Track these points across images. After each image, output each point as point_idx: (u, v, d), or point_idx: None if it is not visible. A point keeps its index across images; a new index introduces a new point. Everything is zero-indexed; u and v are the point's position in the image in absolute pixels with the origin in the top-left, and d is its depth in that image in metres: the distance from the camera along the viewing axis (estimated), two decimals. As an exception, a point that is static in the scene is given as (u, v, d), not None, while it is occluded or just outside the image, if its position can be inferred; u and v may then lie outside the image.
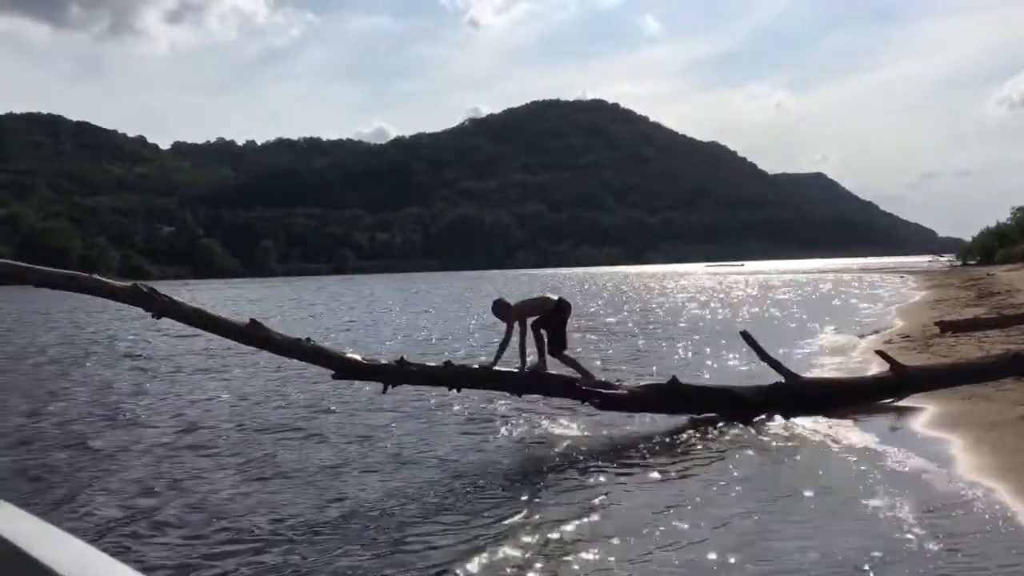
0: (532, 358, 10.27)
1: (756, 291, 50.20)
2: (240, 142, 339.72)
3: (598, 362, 16.07)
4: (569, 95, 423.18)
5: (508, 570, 5.53)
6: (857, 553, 5.47)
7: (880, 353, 11.87)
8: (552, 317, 10.39)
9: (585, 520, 6.50)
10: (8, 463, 8.94)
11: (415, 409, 11.35)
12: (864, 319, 25.39)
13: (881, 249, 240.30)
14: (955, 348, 14.80)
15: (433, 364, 10.00)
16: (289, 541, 6.17)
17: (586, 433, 9.81)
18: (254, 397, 13.09)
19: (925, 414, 9.93)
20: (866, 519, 6.21)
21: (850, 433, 9.17)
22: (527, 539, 6.09)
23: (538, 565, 5.61)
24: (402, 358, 9.59)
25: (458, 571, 5.47)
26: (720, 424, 9.87)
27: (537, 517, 6.66)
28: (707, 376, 13.63)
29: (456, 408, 11.28)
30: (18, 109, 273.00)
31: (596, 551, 5.77)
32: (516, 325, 10.24)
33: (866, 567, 5.25)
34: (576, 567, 5.54)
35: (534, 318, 10.42)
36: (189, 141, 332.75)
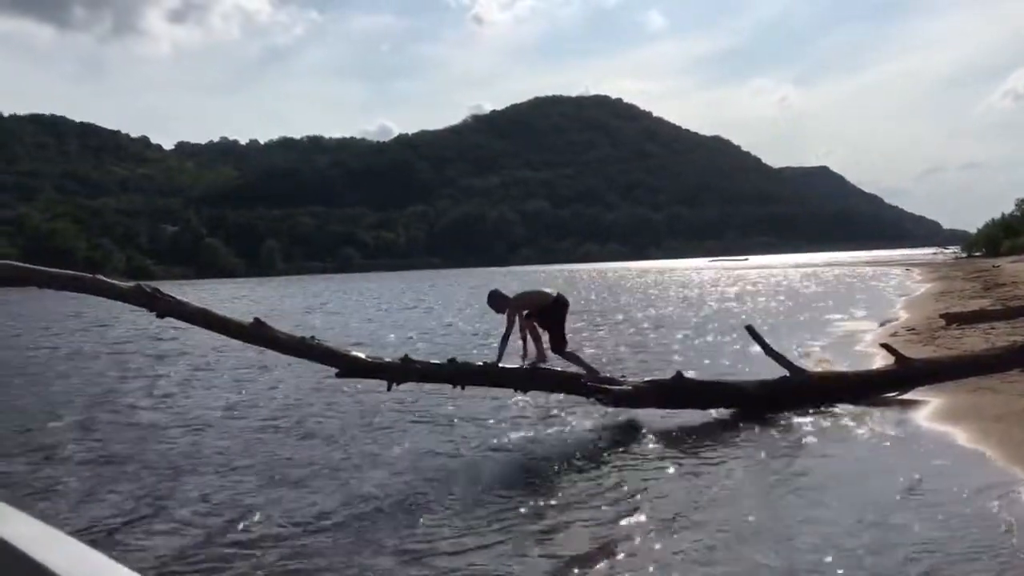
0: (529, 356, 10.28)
1: (759, 285, 50.11)
2: (243, 141, 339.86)
3: (603, 358, 16.07)
4: (573, 92, 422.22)
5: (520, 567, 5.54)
6: (867, 549, 5.47)
7: (885, 346, 11.85)
8: (550, 313, 10.36)
9: (596, 516, 6.51)
10: (13, 463, 8.96)
11: (420, 406, 11.35)
12: (864, 313, 25.35)
13: (886, 242, 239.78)
14: (961, 340, 14.76)
15: (437, 362, 10.00)
16: (305, 541, 6.17)
17: (591, 429, 9.81)
18: (261, 397, 13.11)
19: (930, 407, 9.92)
20: (870, 511, 6.21)
21: (854, 426, 9.16)
22: (544, 539, 6.09)
23: (561, 563, 5.62)
24: (406, 356, 9.60)
25: (479, 567, 5.48)
26: (725, 419, 9.88)
27: (548, 517, 6.66)
28: (713, 370, 13.62)
29: (463, 405, 11.27)
30: (22, 110, 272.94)
31: (610, 546, 5.78)
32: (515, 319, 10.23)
33: (871, 559, 5.26)
34: (590, 563, 5.54)
35: (528, 311, 10.40)
36: (192, 141, 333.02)
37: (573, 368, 10.33)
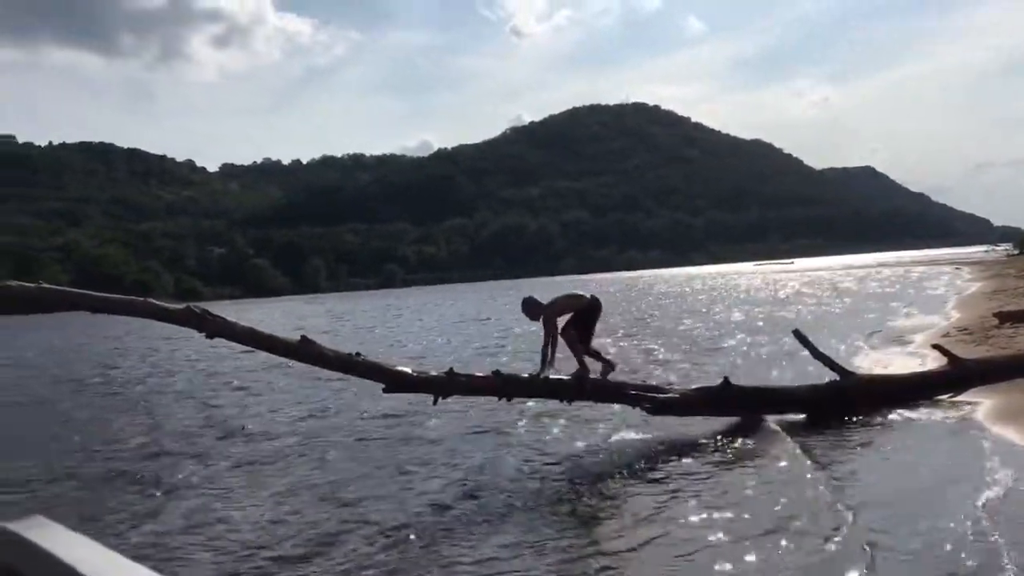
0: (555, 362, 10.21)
1: (808, 288, 49.48)
2: (286, 161, 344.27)
3: (649, 365, 16.01)
4: (612, 99, 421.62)
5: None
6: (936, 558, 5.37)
7: (937, 346, 11.64)
8: (584, 315, 10.30)
9: (643, 522, 6.48)
10: (66, 486, 9.16)
11: (469, 418, 11.38)
12: (914, 313, 24.90)
13: (934, 241, 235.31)
14: (1015, 339, 14.43)
15: (482, 374, 10.01)
16: (366, 554, 6.22)
17: (638, 437, 9.76)
18: (313, 411, 13.24)
19: (984, 408, 9.73)
20: (930, 516, 6.09)
21: (907, 430, 9.01)
22: (601, 551, 6.08)
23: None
24: (451, 370, 9.63)
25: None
26: (774, 424, 9.77)
27: (601, 529, 6.64)
28: (762, 376, 13.48)
29: (504, 415, 11.28)
30: (72, 138, 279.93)
31: (656, 552, 5.75)
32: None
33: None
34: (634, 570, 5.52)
35: (567, 316, 10.33)
36: (236, 163, 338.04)
37: (598, 365, 10.21)
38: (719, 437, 9.42)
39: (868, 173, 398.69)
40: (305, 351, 9.24)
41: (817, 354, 10.95)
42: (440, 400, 9.58)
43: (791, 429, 9.57)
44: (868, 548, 5.55)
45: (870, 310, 27.82)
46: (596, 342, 10.57)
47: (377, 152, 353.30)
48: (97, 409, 15.62)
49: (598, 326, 10.64)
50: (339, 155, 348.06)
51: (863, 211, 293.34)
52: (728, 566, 5.46)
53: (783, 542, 5.82)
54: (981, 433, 8.67)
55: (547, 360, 9.96)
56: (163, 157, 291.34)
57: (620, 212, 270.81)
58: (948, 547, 5.46)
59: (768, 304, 36.89)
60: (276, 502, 7.87)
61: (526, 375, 10.19)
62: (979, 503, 6.30)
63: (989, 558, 5.23)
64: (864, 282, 52.82)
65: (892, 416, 9.66)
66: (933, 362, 11.99)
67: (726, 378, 10.33)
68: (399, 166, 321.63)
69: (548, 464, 8.87)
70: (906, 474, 7.52)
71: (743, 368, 14.90)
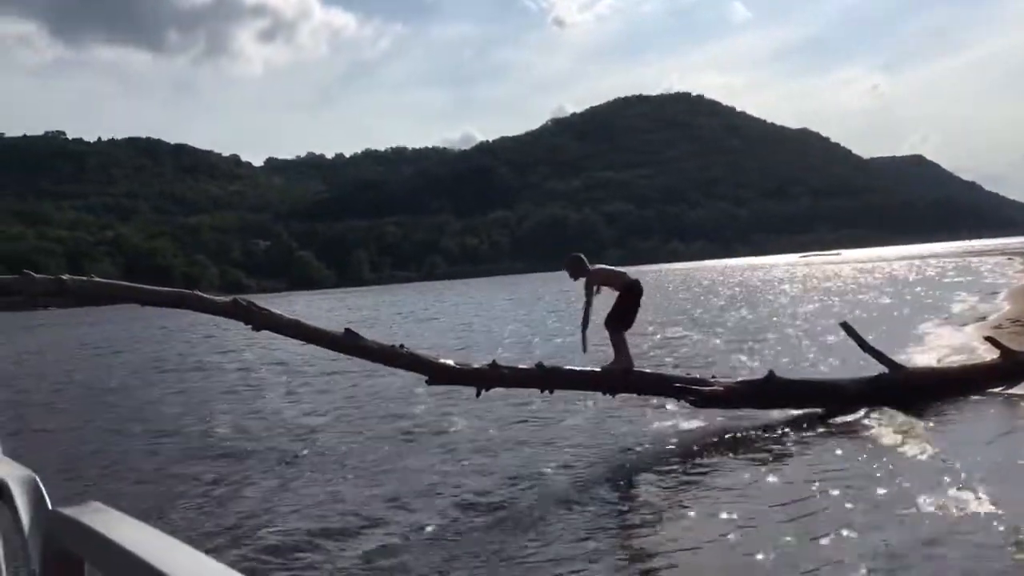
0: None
1: (853, 281, 48.74)
2: (329, 155, 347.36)
3: (696, 359, 15.92)
4: (656, 89, 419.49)
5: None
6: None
7: (989, 338, 11.41)
8: (625, 299, 10.14)
9: (682, 519, 6.45)
10: (124, 476, 9.35)
11: (510, 412, 11.39)
12: (964, 305, 24.41)
13: (986, 231, 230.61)
14: (1070, 331, 14.11)
15: (525, 367, 10.01)
16: (403, 547, 6.28)
17: (684, 431, 9.69)
18: (359, 403, 13.35)
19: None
20: (980, 516, 5.98)
21: (957, 424, 8.84)
22: (644, 545, 6.07)
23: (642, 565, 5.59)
24: (494, 362, 9.64)
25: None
26: (820, 418, 9.65)
27: (645, 523, 6.63)
28: (809, 369, 13.32)
29: (549, 406, 11.27)
30: (120, 134, 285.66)
31: (693, 549, 5.72)
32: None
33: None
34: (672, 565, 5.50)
35: (613, 299, 10.14)
36: (281, 157, 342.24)
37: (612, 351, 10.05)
38: (760, 429, 9.32)
39: (918, 162, 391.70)
40: (349, 343, 9.32)
41: (865, 347, 10.79)
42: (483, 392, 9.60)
43: (829, 422, 9.43)
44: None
45: (919, 303, 27.33)
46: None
47: (419, 145, 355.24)
48: (154, 401, 15.90)
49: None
50: (382, 149, 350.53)
51: (912, 201, 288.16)
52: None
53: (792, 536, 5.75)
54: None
55: (586, 328, 9.87)
56: (209, 152, 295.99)
57: (663, 203, 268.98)
58: None
59: (814, 297, 36.40)
60: (327, 494, 7.96)
61: (567, 368, 10.18)
62: None
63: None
64: (913, 273, 51.91)
65: (940, 409, 9.46)
66: (985, 354, 11.75)
67: (771, 371, 10.22)
68: (441, 159, 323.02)
69: (584, 456, 8.85)
70: (940, 465, 7.39)
71: (788, 361, 14.72)
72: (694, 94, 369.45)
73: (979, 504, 6.12)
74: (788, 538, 5.75)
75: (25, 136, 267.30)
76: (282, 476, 8.74)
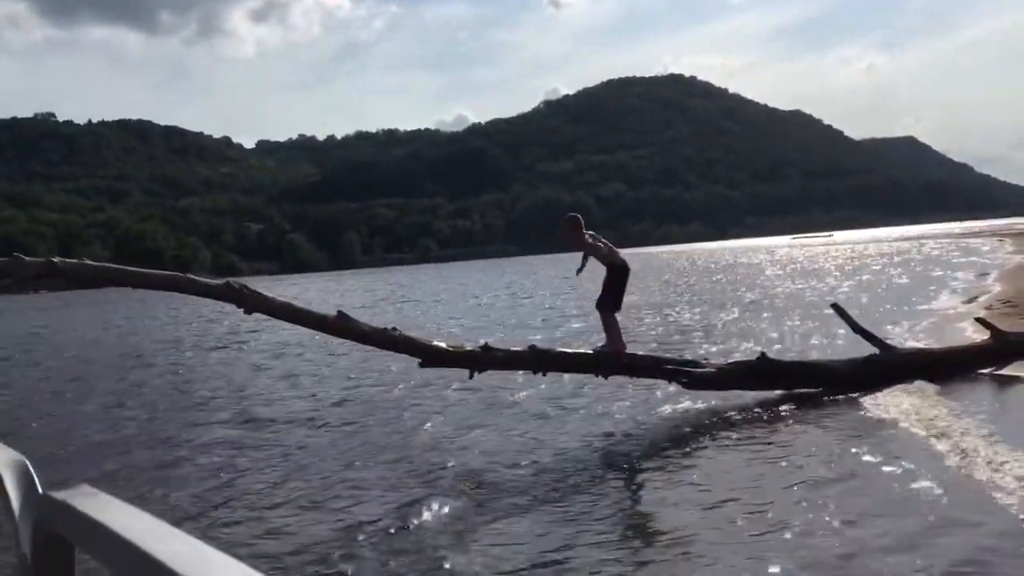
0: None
1: (845, 262, 48.87)
2: (321, 137, 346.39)
3: (687, 340, 15.94)
4: (650, 71, 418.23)
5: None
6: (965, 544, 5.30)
7: (979, 320, 11.45)
8: (614, 278, 10.00)
9: (687, 500, 6.48)
10: (110, 457, 9.34)
11: (502, 393, 11.40)
12: (955, 286, 24.49)
13: (978, 212, 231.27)
14: (1061, 312, 14.16)
15: (517, 349, 10.00)
16: (408, 529, 6.29)
17: (675, 413, 9.72)
18: (355, 386, 13.36)
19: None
20: (972, 495, 6.01)
21: (948, 404, 8.87)
22: (639, 527, 6.09)
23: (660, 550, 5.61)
24: (486, 344, 9.63)
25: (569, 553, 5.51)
26: (812, 399, 9.67)
27: (636, 504, 6.65)
28: (800, 350, 13.36)
29: (542, 388, 11.29)
30: (110, 116, 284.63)
31: (678, 532, 5.74)
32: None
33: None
34: (665, 549, 5.52)
35: (603, 277, 9.98)
36: (272, 139, 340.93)
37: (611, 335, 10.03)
38: (751, 411, 9.35)
39: (909, 143, 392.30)
40: (341, 326, 9.30)
41: (857, 328, 10.82)
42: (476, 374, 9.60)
43: (821, 403, 9.47)
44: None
45: (910, 284, 27.41)
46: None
47: (412, 127, 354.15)
48: (146, 384, 15.88)
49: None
50: (374, 130, 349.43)
51: (904, 182, 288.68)
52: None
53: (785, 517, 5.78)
54: (1019, 405, 8.52)
55: (582, 268, 9.92)
56: (200, 134, 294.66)
57: (657, 185, 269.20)
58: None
59: (805, 279, 36.48)
60: (322, 478, 7.97)
61: (561, 350, 10.19)
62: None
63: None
64: (903, 255, 52.05)
65: (930, 390, 9.49)
66: (975, 335, 11.80)
67: (763, 352, 10.23)
68: (434, 141, 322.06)
69: (576, 438, 8.88)
70: (929, 446, 7.42)
71: (780, 343, 14.76)
72: (687, 75, 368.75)
73: (978, 482, 6.16)
74: (782, 519, 5.77)
75: (15, 118, 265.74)
76: (277, 459, 8.74)
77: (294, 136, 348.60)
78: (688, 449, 8.02)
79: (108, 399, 13.87)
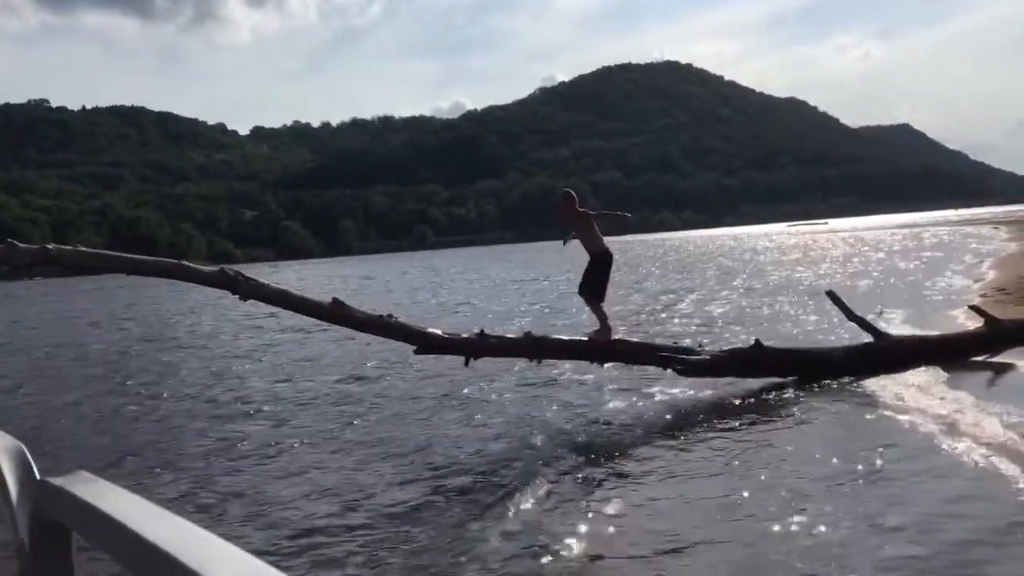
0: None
1: (839, 250, 48.89)
2: (316, 124, 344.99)
3: (683, 329, 15.95)
4: (646, 58, 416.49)
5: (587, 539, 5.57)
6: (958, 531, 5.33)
7: (973, 307, 11.48)
8: (594, 261, 10.01)
9: (664, 488, 6.50)
10: (108, 444, 9.35)
11: (497, 381, 11.41)
12: (950, 274, 24.53)
13: (972, 200, 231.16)
14: (1054, 300, 14.20)
15: (513, 336, 10.03)
16: (400, 513, 6.31)
17: (669, 400, 9.73)
18: (352, 373, 13.36)
19: (1022, 369, 9.59)
20: (969, 481, 6.04)
21: (942, 391, 8.90)
22: (630, 511, 6.12)
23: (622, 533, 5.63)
24: (482, 331, 9.63)
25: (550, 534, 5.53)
26: (807, 386, 9.70)
27: (621, 485, 6.67)
28: (795, 338, 13.38)
29: (537, 374, 11.31)
30: (104, 102, 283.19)
31: (673, 517, 5.77)
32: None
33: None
34: (654, 535, 5.54)
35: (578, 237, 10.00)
36: (267, 126, 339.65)
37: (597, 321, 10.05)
38: (747, 399, 9.38)
39: (905, 131, 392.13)
40: (337, 313, 9.29)
41: (851, 315, 10.85)
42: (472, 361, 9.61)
43: (814, 391, 9.50)
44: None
45: (905, 272, 27.45)
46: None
47: (407, 114, 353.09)
48: (143, 371, 15.87)
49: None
50: (369, 117, 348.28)
51: (899, 170, 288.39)
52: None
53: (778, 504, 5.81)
54: (1013, 392, 8.54)
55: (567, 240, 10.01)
56: (195, 120, 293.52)
57: (653, 173, 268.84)
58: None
59: (800, 267, 36.50)
60: (317, 466, 7.99)
61: (557, 337, 10.20)
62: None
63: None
64: (898, 243, 52.09)
65: (925, 376, 9.52)
66: (969, 322, 11.84)
67: (757, 340, 10.25)
68: (429, 128, 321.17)
69: (572, 424, 8.90)
70: (923, 432, 7.45)
71: (774, 331, 14.78)
72: (683, 63, 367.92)
73: (975, 468, 6.19)
74: (780, 506, 5.80)
75: (8, 104, 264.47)
76: (272, 445, 8.75)
77: (289, 123, 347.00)
78: (681, 438, 8.04)
79: (105, 386, 13.88)
